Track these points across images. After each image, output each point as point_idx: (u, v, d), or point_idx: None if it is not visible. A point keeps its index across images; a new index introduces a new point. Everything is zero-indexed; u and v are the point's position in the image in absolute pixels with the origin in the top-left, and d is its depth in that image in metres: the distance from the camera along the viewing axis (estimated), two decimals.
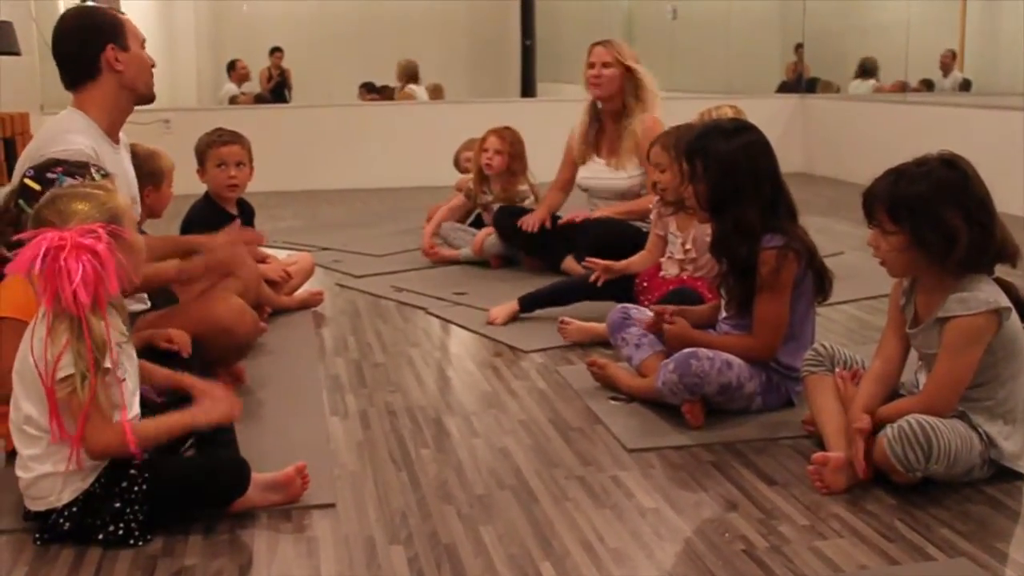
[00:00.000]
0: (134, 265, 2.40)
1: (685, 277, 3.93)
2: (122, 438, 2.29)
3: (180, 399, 2.58)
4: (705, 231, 3.79)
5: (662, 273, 4.02)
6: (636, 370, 3.33)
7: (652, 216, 4.13)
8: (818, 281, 3.07)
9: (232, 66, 13.06)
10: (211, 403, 2.49)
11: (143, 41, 3.29)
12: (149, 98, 3.31)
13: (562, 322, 3.92)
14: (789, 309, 3.03)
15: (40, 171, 2.72)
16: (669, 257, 4.02)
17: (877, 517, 2.43)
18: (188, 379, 2.64)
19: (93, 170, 2.73)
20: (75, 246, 2.22)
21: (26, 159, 3.04)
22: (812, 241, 3.08)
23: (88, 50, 3.17)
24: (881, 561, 2.23)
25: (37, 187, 2.68)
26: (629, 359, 3.37)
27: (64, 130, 3.10)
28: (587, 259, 4.13)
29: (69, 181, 2.67)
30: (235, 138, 4.37)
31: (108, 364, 2.28)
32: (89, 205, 2.33)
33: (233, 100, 12.28)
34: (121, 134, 3.32)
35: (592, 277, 4.03)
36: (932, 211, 2.49)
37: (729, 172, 3.02)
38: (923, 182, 2.52)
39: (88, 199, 2.34)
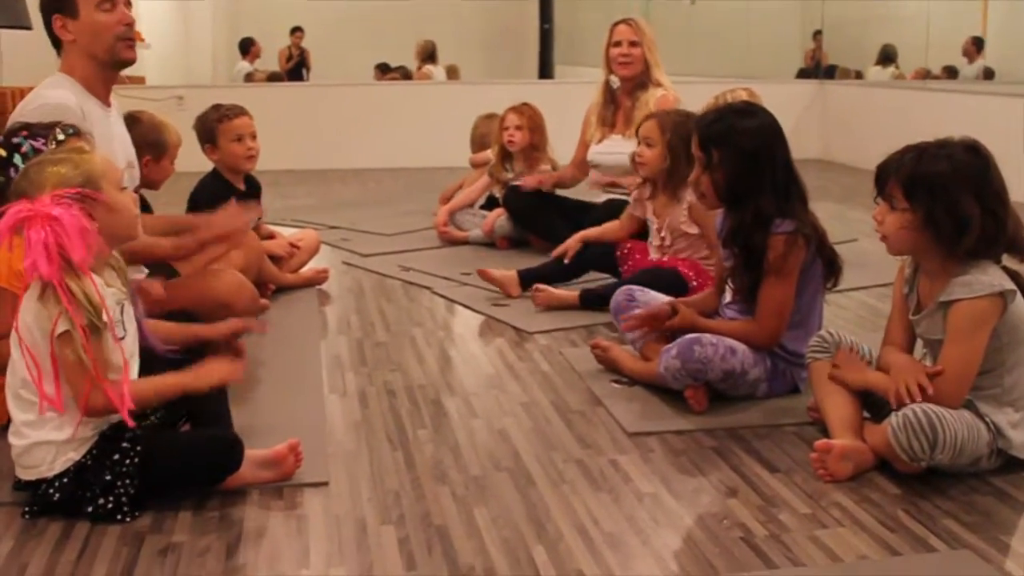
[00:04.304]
0: (122, 224, 2.40)
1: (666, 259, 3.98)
2: (113, 398, 2.26)
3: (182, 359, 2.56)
4: (679, 218, 3.90)
5: (650, 257, 4.06)
6: (640, 353, 3.28)
7: (632, 197, 4.17)
8: (827, 267, 3.01)
9: (246, 46, 13.01)
10: (208, 367, 2.45)
11: (107, 0, 3.08)
12: (118, 63, 3.16)
13: (536, 289, 4.07)
14: (795, 295, 2.97)
15: (7, 137, 2.70)
16: (649, 243, 4.07)
17: (880, 506, 2.38)
18: (197, 328, 2.64)
19: (58, 130, 2.70)
20: (36, 216, 2.19)
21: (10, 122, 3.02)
22: (822, 227, 3.03)
23: (46, 23, 3.12)
24: (882, 551, 2.18)
25: (3, 153, 2.66)
26: (633, 342, 3.32)
27: (47, 89, 3.07)
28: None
29: (31, 144, 2.64)
30: (242, 110, 4.35)
31: (105, 319, 2.25)
32: (63, 168, 2.31)
33: (248, 77, 12.25)
34: (114, 99, 3.26)
35: (556, 252, 4.25)
36: (949, 194, 2.43)
37: (748, 161, 2.96)
38: (945, 163, 2.46)
39: (61, 163, 2.33)
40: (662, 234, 3.96)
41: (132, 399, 2.29)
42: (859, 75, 10.44)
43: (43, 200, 2.22)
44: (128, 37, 3.13)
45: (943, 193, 2.44)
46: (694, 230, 3.88)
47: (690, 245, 3.90)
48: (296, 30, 13.41)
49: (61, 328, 2.23)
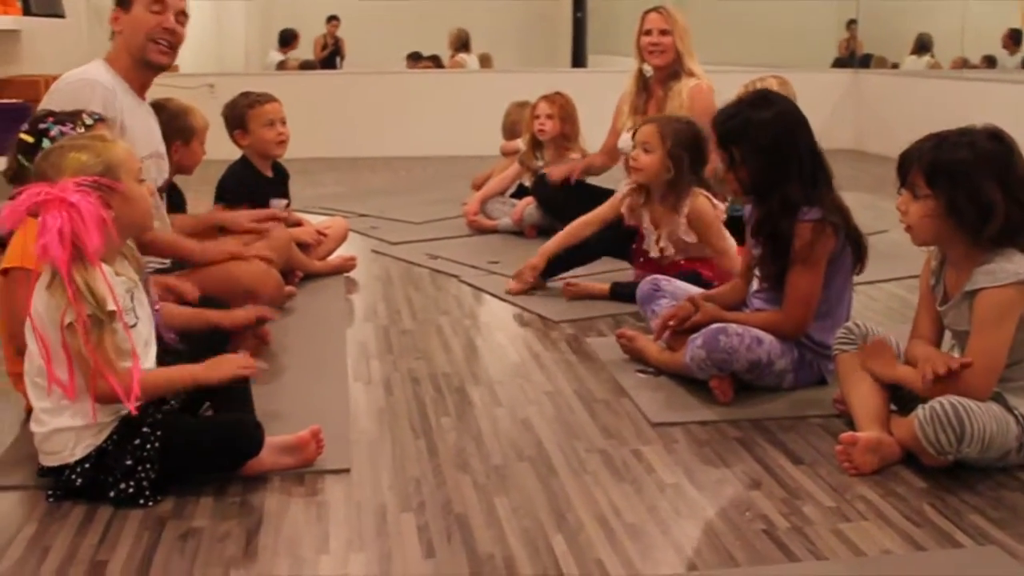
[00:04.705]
0: (137, 214, 2.39)
1: (682, 261, 3.93)
2: (118, 388, 2.25)
3: (195, 349, 2.56)
4: (677, 227, 3.86)
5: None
6: (666, 344, 3.25)
7: (623, 208, 4.03)
8: (854, 251, 2.98)
9: (288, 38, 12.98)
10: (220, 360, 2.45)
11: (158, 2, 3.22)
12: (147, 62, 3.26)
13: (567, 283, 4.06)
14: (823, 285, 2.94)
15: (33, 123, 2.74)
16: (646, 249, 4.01)
17: (905, 500, 2.35)
18: (211, 313, 2.64)
19: (85, 116, 2.73)
20: (54, 200, 2.19)
21: (44, 102, 3.08)
22: (847, 207, 2.99)
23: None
24: (906, 546, 2.15)
25: (30, 139, 2.69)
26: (657, 340, 3.29)
27: (83, 69, 3.20)
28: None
29: (59, 128, 2.66)
30: (271, 96, 4.38)
31: (111, 308, 2.25)
32: (84, 155, 2.32)
33: (280, 66, 12.26)
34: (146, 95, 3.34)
35: (524, 272, 4.13)
36: (971, 180, 2.40)
37: (770, 154, 2.93)
38: (966, 150, 2.43)
39: (83, 150, 2.34)
40: (661, 244, 3.92)
41: (142, 388, 2.28)
42: (895, 66, 10.32)
43: (63, 185, 2.22)
44: (162, 41, 3.24)
45: (965, 180, 2.41)
46: (693, 238, 3.84)
47: (695, 250, 3.88)
48: (332, 18, 13.39)
49: (68, 319, 2.24)
